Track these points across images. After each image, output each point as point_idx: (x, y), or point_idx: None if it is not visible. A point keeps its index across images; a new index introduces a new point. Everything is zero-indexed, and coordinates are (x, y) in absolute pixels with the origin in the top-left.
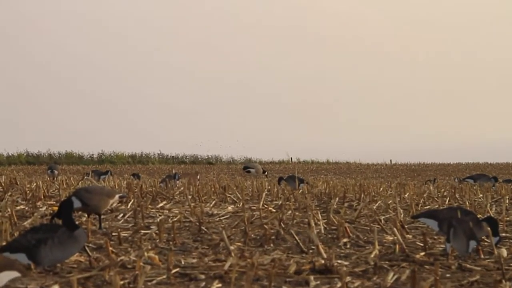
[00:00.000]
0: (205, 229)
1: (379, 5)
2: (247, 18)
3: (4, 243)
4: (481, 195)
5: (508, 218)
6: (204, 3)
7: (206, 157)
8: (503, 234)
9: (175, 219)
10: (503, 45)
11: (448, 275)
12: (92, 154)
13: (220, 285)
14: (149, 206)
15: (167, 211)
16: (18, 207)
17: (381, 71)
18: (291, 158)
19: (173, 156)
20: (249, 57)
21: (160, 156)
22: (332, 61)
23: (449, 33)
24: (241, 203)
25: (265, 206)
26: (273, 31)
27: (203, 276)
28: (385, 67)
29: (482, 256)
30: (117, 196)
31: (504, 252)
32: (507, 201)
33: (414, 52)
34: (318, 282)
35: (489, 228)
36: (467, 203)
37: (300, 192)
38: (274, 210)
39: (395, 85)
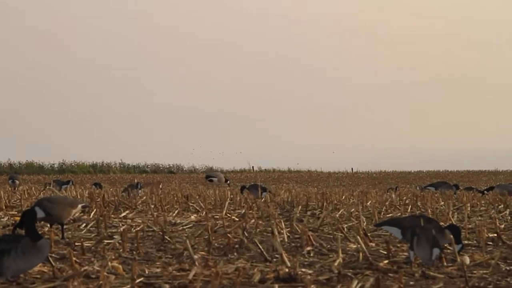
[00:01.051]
0: (169, 239)
1: None
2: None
3: None
4: (442, 203)
5: (470, 226)
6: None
7: (168, 166)
8: (465, 242)
9: (138, 229)
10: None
11: (411, 282)
12: (53, 164)
13: None
14: (112, 215)
15: (130, 221)
16: None
17: (338, 79)
18: (253, 167)
19: (134, 165)
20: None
21: (121, 165)
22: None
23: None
24: (204, 212)
25: (228, 215)
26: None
27: (167, 286)
28: (343, 76)
29: (445, 264)
30: (79, 206)
31: (467, 260)
32: (469, 209)
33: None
34: None
35: (451, 236)
36: (429, 210)
37: (263, 200)
38: (237, 219)
39: (354, 94)
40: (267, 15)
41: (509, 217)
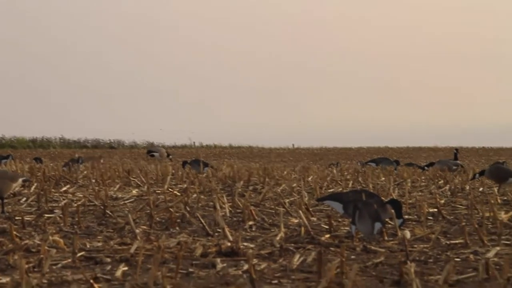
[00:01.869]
0: (110, 213)
1: None
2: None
3: None
4: (383, 178)
5: (410, 201)
6: None
7: (108, 142)
8: (406, 217)
9: (79, 203)
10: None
11: (353, 256)
12: None
13: (126, 268)
14: (53, 190)
15: (71, 195)
16: None
17: (275, 58)
18: (194, 142)
19: (74, 141)
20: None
21: (62, 141)
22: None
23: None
24: (146, 187)
25: (170, 189)
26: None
27: (109, 260)
28: (280, 54)
29: (386, 238)
30: (20, 180)
31: (408, 234)
32: (409, 184)
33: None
34: (225, 265)
35: (393, 210)
36: (370, 186)
37: (204, 175)
38: (179, 194)
39: (293, 72)
40: None
41: (449, 193)
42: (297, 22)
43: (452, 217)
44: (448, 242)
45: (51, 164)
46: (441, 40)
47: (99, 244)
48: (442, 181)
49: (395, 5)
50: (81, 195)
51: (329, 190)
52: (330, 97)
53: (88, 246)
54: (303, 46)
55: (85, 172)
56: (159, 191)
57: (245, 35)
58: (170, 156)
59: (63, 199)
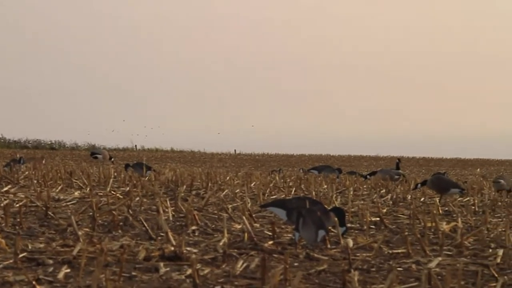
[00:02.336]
0: (52, 214)
1: None
2: None
3: None
4: (326, 186)
5: (353, 209)
6: None
7: (49, 143)
8: (349, 225)
9: (21, 203)
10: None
11: (296, 264)
12: None
13: (68, 270)
14: None
15: (12, 195)
16: None
17: (218, 62)
18: (136, 146)
19: (15, 141)
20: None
21: (2, 141)
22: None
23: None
24: (88, 189)
25: (113, 192)
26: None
27: (51, 261)
28: (221, 58)
29: (329, 246)
30: None
31: (351, 242)
32: (352, 193)
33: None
34: (168, 269)
35: (336, 218)
36: (313, 193)
37: (147, 179)
38: (121, 197)
39: (237, 76)
40: None
41: (391, 202)
42: (238, 29)
43: (394, 226)
44: (390, 252)
45: None
46: (381, 52)
47: (41, 245)
48: (384, 190)
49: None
50: (22, 196)
51: (272, 197)
52: (273, 104)
53: (30, 247)
54: (248, 52)
55: (26, 172)
56: (101, 194)
57: (190, 39)
58: (113, 159)
59: (5, 199)
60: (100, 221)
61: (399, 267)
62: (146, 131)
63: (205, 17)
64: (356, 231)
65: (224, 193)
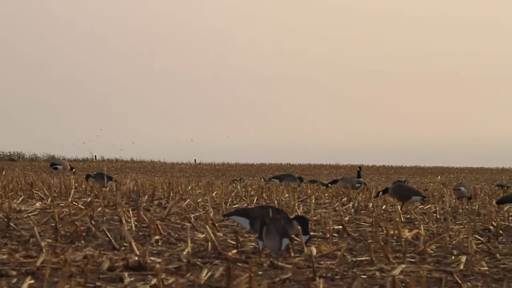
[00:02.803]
0: (14, 225)
1: None
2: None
3: None
4: (287, 195)
5: (315, 218)
6: None
7: (8, 154)
8: (312, 233)
9: None
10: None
11: (260, 272)
12: None
13: (32, 281)
14: None
15: None
16: None
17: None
18: (95, 156)
19: None
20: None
21: None
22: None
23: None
24: (49, 200)
25: (74, 203)
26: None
27: (14, 273)
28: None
29: (293, 254)
30: None
31: (314, 251)
32: (314, 201)
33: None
34: (132, 279)
35: (299, 227)
36: (275, 202)
37: (108, 189)
38: (83, 207)
39: (191, 88)
40: None
41: (353, 210)
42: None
43: (357, 234)
44: (354, 259)
45: None
46: (336, 62)
47: (4, 256)
48: (345, 199)
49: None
50: None
51: (234, 206)
52: (231, 114)
53: None
54: (205, 63)
55: None
56: (63, 204)
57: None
58: (73, 170)
59: None
60: (62, 232)
61: (363, 274)
62: (104, 141)
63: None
64: (319, 239)
65: (186, 202)
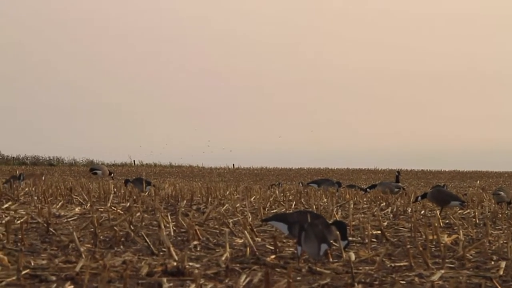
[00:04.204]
0: (53, 231)
1: None
2: None
3: None
4: (325, 200)
5: (354, 223)
6: None
7: (48, 159)
8: (351, 238)
9: (22, 220)
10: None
11: (299, 278)
12: None
13: (72, 286)
14: None
15: (13, 212)
16: None
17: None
18: (134, 161)
19: (13, 157)
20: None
21: (0, 157)
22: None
23: None
24: (88, 205)
25: (113, 208)
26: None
27: (54, 278)
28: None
29: (331, 260)
30: None
31: (353, 256)
32: (352, 206)
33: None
34: (171, 284)
35: (338, 232)
36: (314, 207)
37: (147, 194)
38: (122, 212)
39: (239, 92)
40: None
41: (392, 215)
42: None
43: (395, 239)
44: (393, 265)
45: None
46: (375, 65)
47: (44, 262)
48: (384, 203)
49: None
50: (23, 212)
51: (272, 211)
52: (268, 120)
53: (32, 264)
54: (238, 70)
55: (26, 189)
56: (102, 209)
57: (189, 51)
58: (112, 174)
59: (5, 216)
60: (101, 237)
61: (402, 280)
62: (144, 145)
63: (204, 34)
64: (358, 245)
65: (224, 207)
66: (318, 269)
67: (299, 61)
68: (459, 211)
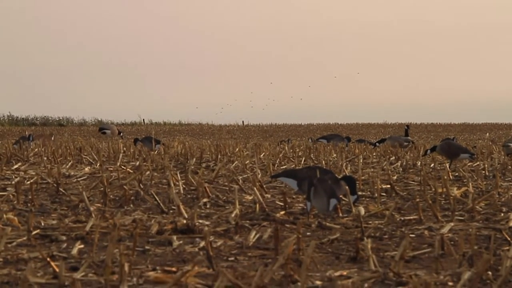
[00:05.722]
0: (63, 191)
1: None
2: None
3: None
4: (335, 155)
5: (363, 177)
6: None
7: (57, 119)
8: (360, 193)
9: (32, 181)
10: None
11: (308, 233)
12: None
13: (82, 246)
14: (4, 168)
15: (23, 173)
16: None
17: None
18: (143, 120)
19: (23, 118)
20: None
21: (10, 118)
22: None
23: None
24: (98, 164)
25: (123, 167)
26: None
27: (64, 237)
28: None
29: (341, 215)
30: None
31: (362, 210)
32: (361, 161)
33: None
34: (181, 242)
35: (347, 187)
36: (323, 162)
37: (156, 153)
38: (131, 171)
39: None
40: None
41: (401, 169)
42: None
43: (405, 193)
44: (402, 218)
45: (1, 142)
46: (384, 19)
47: (54, 222)
48: (393, 158)
49: None
50: (33, 173)
51: (282, 167)
52: (279, 75)
53: (42, 224)
54: (248, 27)
55: (36, 149)
56: (111, 169)
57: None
58: (121, 134)
59: (15, 177)
60: (111, 196)
61: (412, 233)
62: (152, 104)
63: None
64: (367, 199)
65: (234, 164)
66: (327, 224)
67: (311, 19)
68: (469, 164)
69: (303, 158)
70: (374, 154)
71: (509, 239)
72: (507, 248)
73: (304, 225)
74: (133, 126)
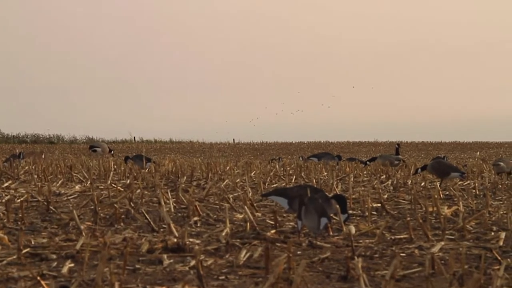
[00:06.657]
0: (54, 209)
1: None
2: None
3: None
4: (326, 173)
5: (354, 196)
6: None
7: (48, 137)
8: (351, 212)
9: (22, 199)
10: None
11: (299, 252)
12: None
13: (72, 264)
14: None
15: (13, 191)
16: None
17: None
18: (134, 137)
19: (13, 136)
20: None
21: (0, 136)
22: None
23: None
24: (89, 182)
25: (113, 185)
26: None
27: (54, 256)
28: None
29: (331, 233)
30: None
31: (353, 229)
32: (352, 179)
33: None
34: (172, 261)
35: (338, 206)
36: (314, 181)
37: (147, 171)
38: (122, 189)
39: (233, 64)
40: None
41: (392, 188)
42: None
43: (395, 212)
44: (393, 237)
45: None
46: (376, 38)
47: (44, 240)
48: (384, 176)
49: None
50: (23, 191)
51: (272, 186)
52: (266, 93)
53: (33, 242)
54: (244, 45)
55: (26, 167)
56: (102, 187)
57: (186, 31)
58: (112, 152)
59: (6, 195)
60: (102, 215)
61: (402, 252)
62: (143, 122)
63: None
64: (358, 218)
65: (224, 183)
66: (318, 243)
67: (300, 36)
68: (459, 183)
69: (294, 177)
70: (365, 172)
71: (499, 258)
72: (498, 267)
73: (295, 244)
74: (124, 144)
